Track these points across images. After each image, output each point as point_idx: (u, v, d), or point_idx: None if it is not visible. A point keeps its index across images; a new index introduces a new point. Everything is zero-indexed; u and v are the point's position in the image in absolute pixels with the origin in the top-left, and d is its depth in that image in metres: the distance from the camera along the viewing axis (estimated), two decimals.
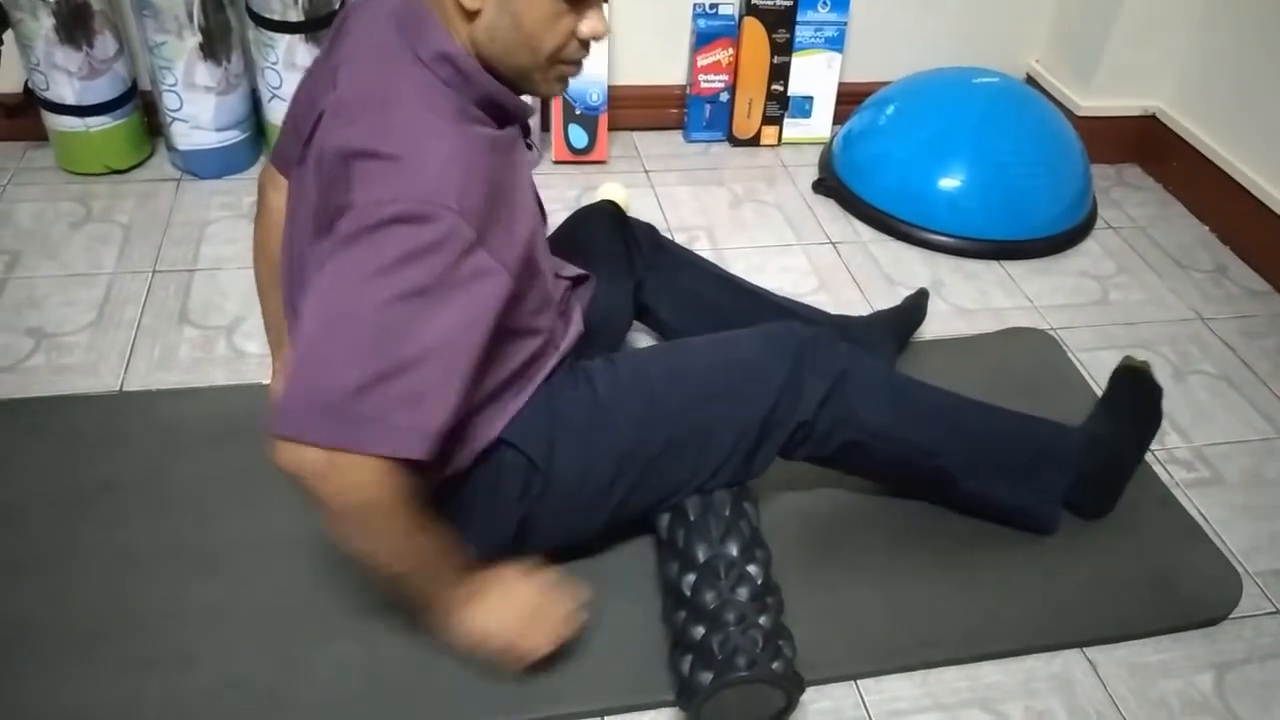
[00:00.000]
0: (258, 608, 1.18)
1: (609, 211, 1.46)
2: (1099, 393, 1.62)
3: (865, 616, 1.23)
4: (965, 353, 1.67)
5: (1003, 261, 1.94)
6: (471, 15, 0.93)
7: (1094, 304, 1.86)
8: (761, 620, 1.08)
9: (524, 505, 1.13)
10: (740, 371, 1.18)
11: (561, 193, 2.05)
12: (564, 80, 1.00)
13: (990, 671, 1.20)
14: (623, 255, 1.43)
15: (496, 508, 1.13)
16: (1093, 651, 1.23)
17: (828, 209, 2.07)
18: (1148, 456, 1.48)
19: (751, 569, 1.13)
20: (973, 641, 1.22)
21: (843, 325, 1.55)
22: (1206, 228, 2.11)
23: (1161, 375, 1.67)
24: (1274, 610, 1.30)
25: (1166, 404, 1.60)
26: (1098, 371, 1.68)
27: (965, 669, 1.20)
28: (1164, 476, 1.47)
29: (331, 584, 1.21)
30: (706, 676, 1.04)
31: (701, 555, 1.13)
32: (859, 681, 1.17)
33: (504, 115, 0.99)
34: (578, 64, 1.00)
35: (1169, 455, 1.52)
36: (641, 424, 1.14)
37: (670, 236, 1.74)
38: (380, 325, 0.86)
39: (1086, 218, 2.06)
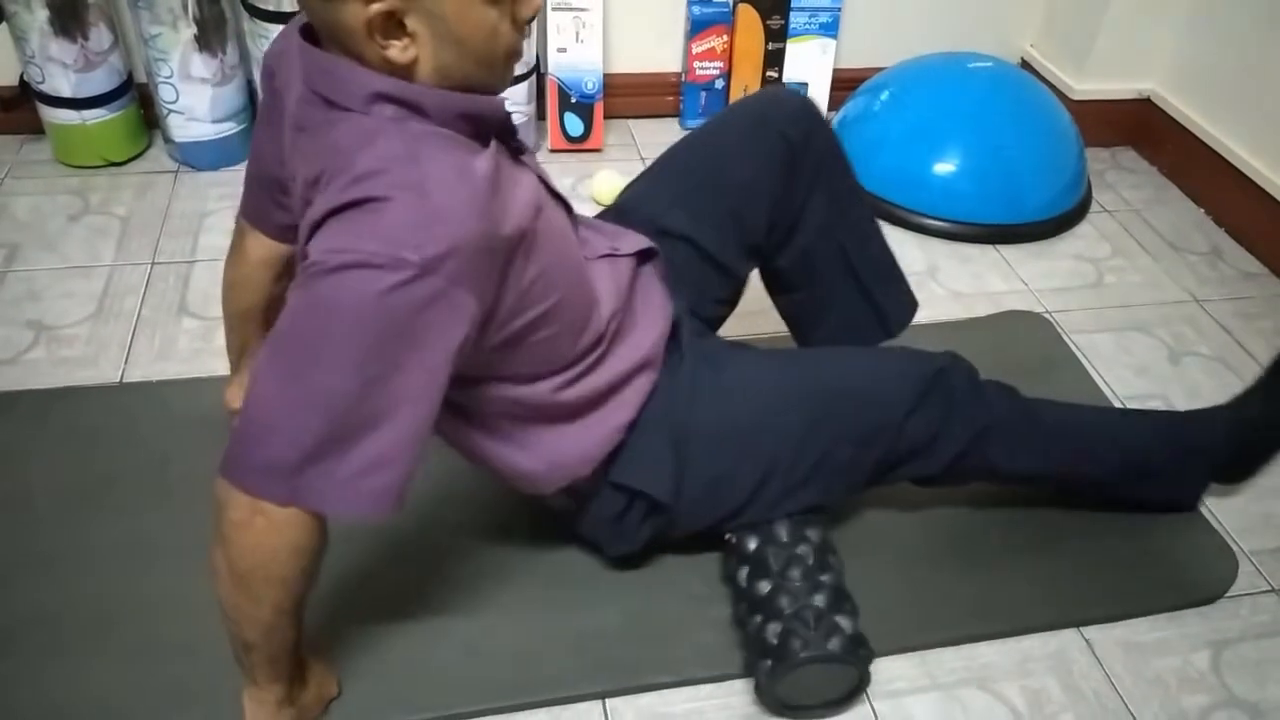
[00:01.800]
0: None
1: (784, 133, 1.21)
2: (1095, 375, 1.63)
3: (863, 598, 1.23)
4: (961, 336, 1.67)
5: (998, 245, 1.95)
6: (407, 68, 0.84)
7: (1089, 287, 1.86)
8: (815, 600, 1.09)
9: (649, 525, 1.15)
10: (876, 413, 1.15)
11: (557, 181, 2.04)
12: (513, 68, 0.92)
13: (987, 651, 1.20)
14: (772, 204, 1.23)
15: (623, 534, 1.16)
16: (1089, 631, 1.24)
17: None
18: None
19: (801, 549, 1.14)
20: (970, 622, 1.23)
21: None
22: (1202, 210, 2.11)
23: (1157, 357, 1.69)
24: (1269, 589, 1.31)
25: (1161, 386, 1.62)
26: (1093, 354, 1.68)
27: (962, 649, 1.20)
28: None
29: (333, 570, 1.22)
30: (768, 664, 1.07)
31: (751, 545, 1.15)
32: None
33: (482, 124, 0.90)
34: (522, 46, 0.91)
35: None
36: (775, 455, 1.12)
37: None
38: (329, 392, 0.81)
39: (1081, 201, 2.06)
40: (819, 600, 1.09)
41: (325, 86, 0.85)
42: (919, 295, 1.78)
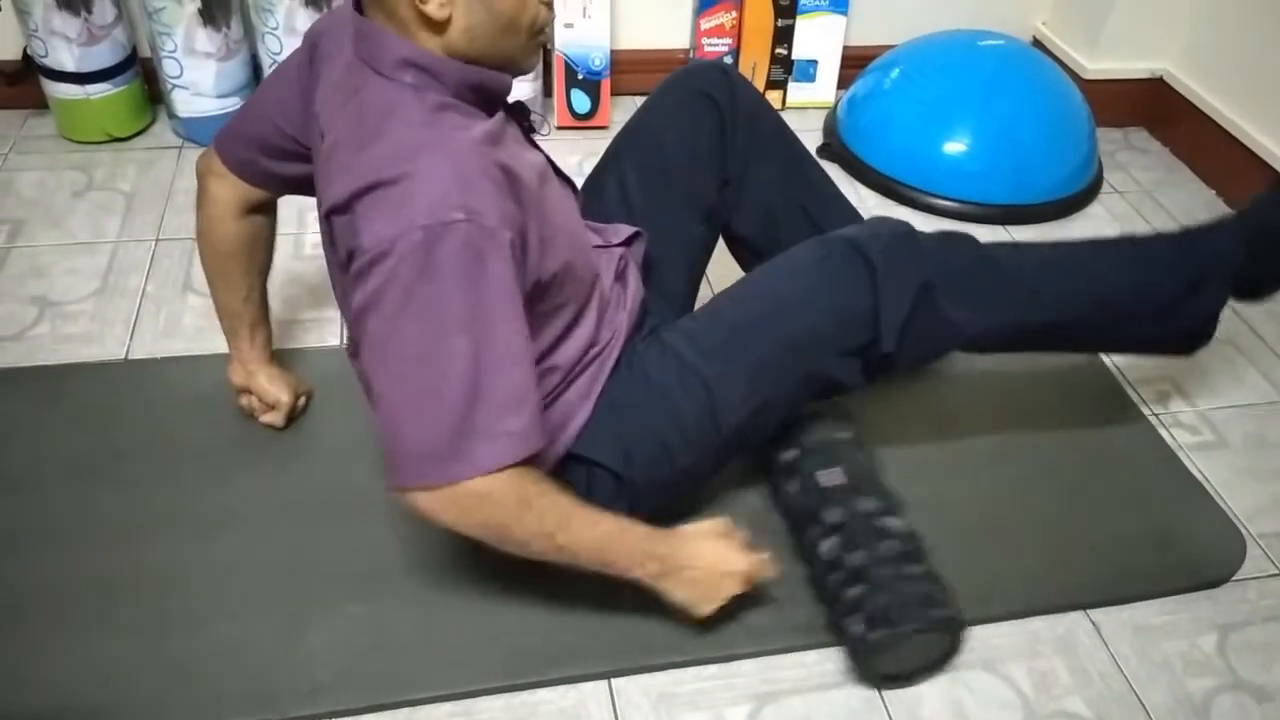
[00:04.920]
0: (266, 569, 1.19)
1: (707, 94, 1.26)
2: (1103, 356, 1.62)
3: None
4: None
5: (1008, 226, 1.93)
6: (440, 25, 0.90)
7: None
8: (912, 571, 1.11)
9: (623, 499, 1.14)
10: (796, 309, 1.11)
11: (564, 159, 2.03)
12: (540, 47, 0.99)
13: (994, 633, 1.20)
14: (714, 158, 1.27)
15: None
16: (1096, 613, 1.23)
17: (832, 174, 2.04)
18: (1151, 420, 1.49)
19: (890, 522, 1.15)
20: (976, 604, 1.22)
21: None
22: (1213, 192, 2.09)
23: None
24: (1277, 572, 1.30)
25: (1171, 369, 1.61)
26: None
27: (969, 631, 1.20)
28: (1169, 440, 1.47)
29: (338, 545, 1.22)
30: (877, 634, 1.08)
31: (839, 517, 1.16)
32: None
33: (490, 96, 0.97)
34: (548, 23, 0.97)
35: (1173, 419, 1.52)
36: (711, 399, 1.11)
37: None
38: (445, 369, 0.87)
39: (1092, 182, 2.05)
40: (916, 570, 1.11)
41: (366, 51, 0.93)
42: None
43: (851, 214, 1.38)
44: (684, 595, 1.07)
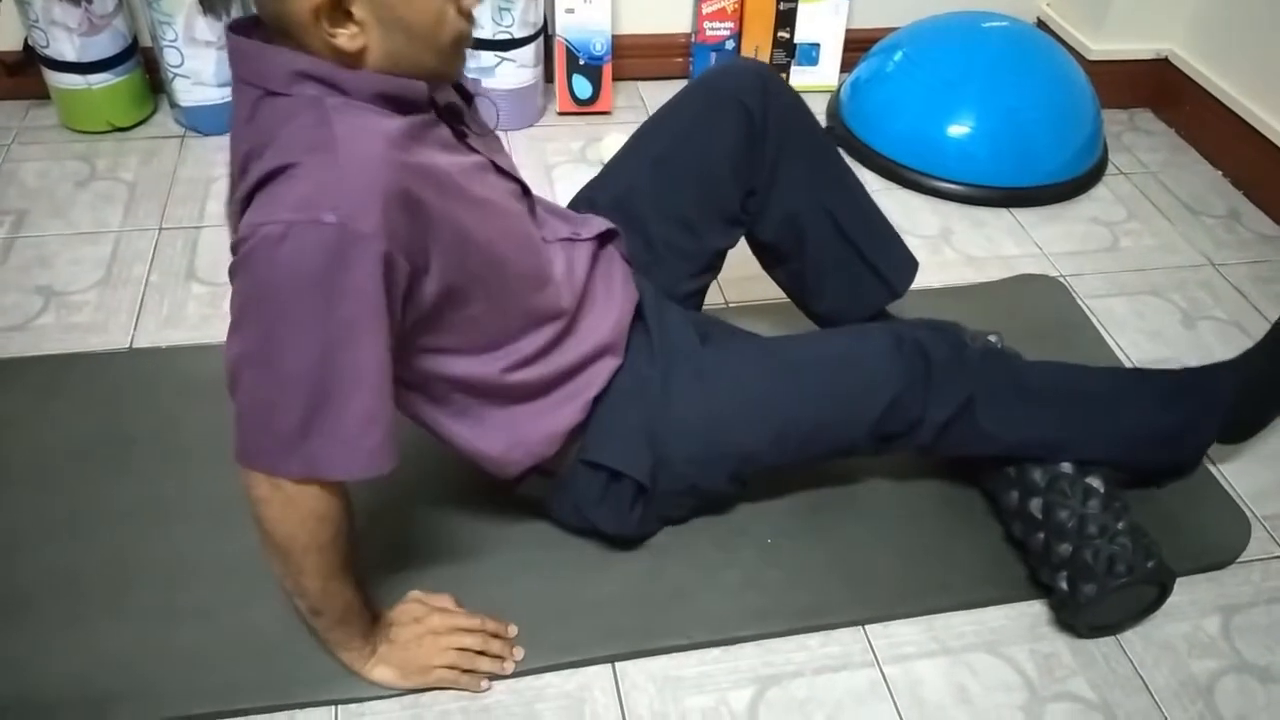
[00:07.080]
0: None
1: (740, 100, 1.22)
2: (1108, 340, 1.62)
3: (872, 562, 1.24)
4: (974, 301, 1.66)
5: (1012, 209, 1.92)
6: (356, 56, 0.86)
7: (1104, 250, 1.84)
8: (1120, 525, 1.15)
9: (637, 509, 1.16)
10: (857, 388, 1.16)
11: (565, 145, 2.04)
12: (464, 55, 0.94)
13: (996, 615, 1.20)
14: (739, 170, 1.24)
15: (616, 513, 1.17)
16: None
17: None
18: None
19: (1092, 481, 1.19)
20: (979, 586, 1.23)
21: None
22: (1219, 172, 2.08)
23: (1171, 321, 1.67)
24: None
25: (1175, 350, 1.60)
26: (1108, 318, 1.67)
27: (972, 613, 1.20)
28: None
29: None
30: (1090, 588, 1.12)
31: (1041, 478, 1.20)
32: (867, 626, 1.18)
33: (404, 105, 0.90)
34: (470, 34, 0.93)
35: None
36: (752, 435, 1.15)
37: None
38: (284, 369, 0.84)
39: (1097, 164, 2.04)
40: (1123, 525, 1.15)
41: (250, 72, 0.88)
42: (932, 259, 1.78)
43: (882, 223, 1.35)
44: (384, 676, 1.08)
